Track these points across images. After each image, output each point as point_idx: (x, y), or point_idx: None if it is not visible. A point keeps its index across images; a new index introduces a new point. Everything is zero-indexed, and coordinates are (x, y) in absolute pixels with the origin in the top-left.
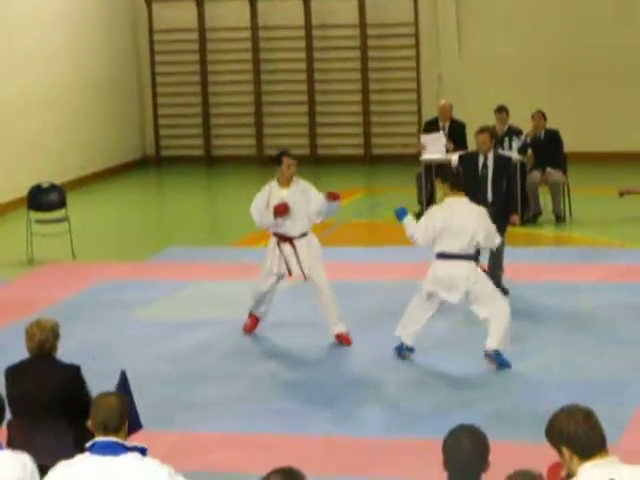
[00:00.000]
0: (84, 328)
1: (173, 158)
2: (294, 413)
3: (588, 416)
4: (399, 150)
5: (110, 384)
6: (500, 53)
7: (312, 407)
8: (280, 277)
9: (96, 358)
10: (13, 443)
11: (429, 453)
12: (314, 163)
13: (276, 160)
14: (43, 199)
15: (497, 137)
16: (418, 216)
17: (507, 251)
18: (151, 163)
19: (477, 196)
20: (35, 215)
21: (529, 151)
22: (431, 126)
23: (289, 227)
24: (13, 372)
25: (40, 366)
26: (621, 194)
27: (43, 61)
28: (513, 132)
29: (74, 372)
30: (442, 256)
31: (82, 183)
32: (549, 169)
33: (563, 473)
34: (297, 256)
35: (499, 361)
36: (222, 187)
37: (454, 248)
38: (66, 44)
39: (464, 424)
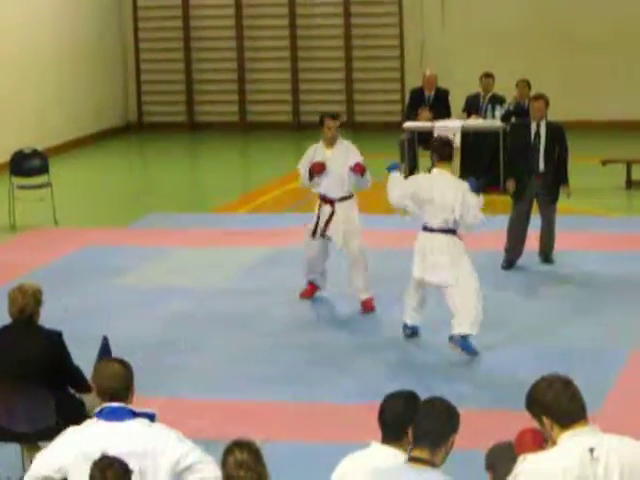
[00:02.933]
0: (66, 294)
1: (156, 124)
2: (275, 380)
3: (567, 385)
4: (382, 117)
5: (92, 349)
6: (483, 21)
7: (293, 374)
8: (325, 240)
9: (75, 322)
10: None
11: None
12: (297, 129)
13: (320, 122)
14: (25, 165)
15: (480, 103)
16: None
17: (496, 220)
18: (134, 129)
19: (528, 165)
20: (17, 180)
21: (512, 119)
22: (416, 95)
23: (326, 187)
24: None
25: (21, 332)
26: (603, 163)
27: (24, 25)
28: (496, 100)
29: (56, 338)
30: (424, 229)
31: (65, 149)
32: None
33: (544, 442)
34: (333, 221)
35: (466, 347)
36: (204, 153)
37: (434, 222)
38: (48, 7)
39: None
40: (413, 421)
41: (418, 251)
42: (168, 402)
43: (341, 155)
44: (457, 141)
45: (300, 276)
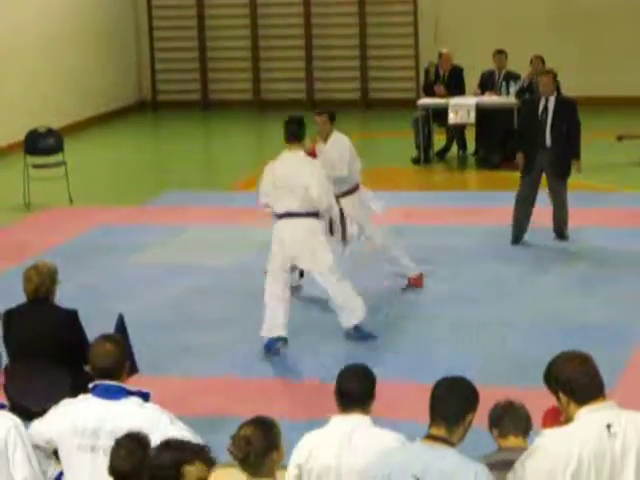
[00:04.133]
0: (81, 272)
1: (170, 102)
2: (289, 357)
3: (585, 361)
4: (396, 95)
5: (108, 328)
6: None
7: (307, 352)
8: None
9: (90, 300)
10: (10, 388)
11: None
12: (311, 107)
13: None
14: (40, 143)
15: (495, 80)
16: (415, 161)
17: (500, 195)
18: (148, 107)
19: (537, 140)
20: (32, 160)
21: (527, 95)
22: (430, 74)
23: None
24: (10, 316)
25: (37, 310)
26: (619, 138)
27: (38, 4)
28: (511, 76)
29: (71, 316)
30: (282, 216)
31: (79, 127)
32: None
33: (562, 418)
34: (345, 217)
35: (362, 335)
36: (218, 131)
37: (292, 206)
38: None
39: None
40: (430, 398)
41: (277, 240)
42: (182, 380)
43: (335, 150)
44: (472, 117)
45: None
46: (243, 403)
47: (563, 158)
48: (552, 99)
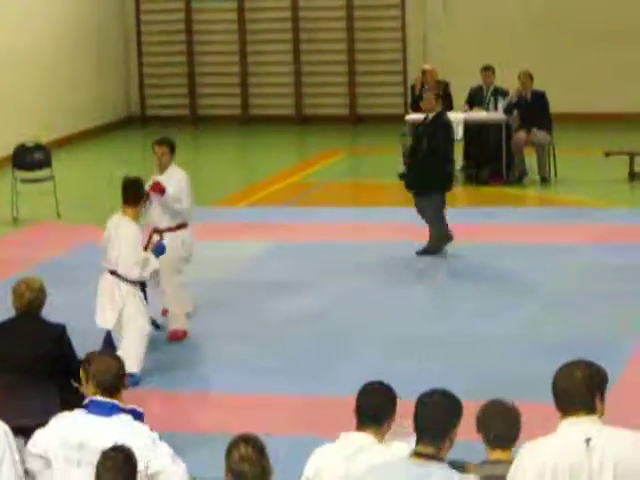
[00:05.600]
0: (68, 288)
1: (158, 117)
2: (279, 372)
3: (574, 370)
4: (385, 110)
5: (94, 343)
6: (486, 12)
7: (298, 366)
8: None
9: (78, 316)
10: None
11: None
12: (300, 123)
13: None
14: (28, 158)
15: (483, 96)
16: (402, 177)
17: (492, 211)
18: (136, 122)
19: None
20: (20, 174)
21: (515, 111)
22: (416, 90)
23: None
24: None
25: (26, 325)
26: (607, 154)
27: (23, 18)
28: (499, 92)
29: (60, 331)
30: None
31: (68, 142)
32: (535, 130)
33: None
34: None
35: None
36: (207, 147)
37: (107, 263)
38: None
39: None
40: (415, 415)
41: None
42: (168, 395)
43: (172, 181)
44: (460, 133)
45: (301, 269)
46: (233, 419)
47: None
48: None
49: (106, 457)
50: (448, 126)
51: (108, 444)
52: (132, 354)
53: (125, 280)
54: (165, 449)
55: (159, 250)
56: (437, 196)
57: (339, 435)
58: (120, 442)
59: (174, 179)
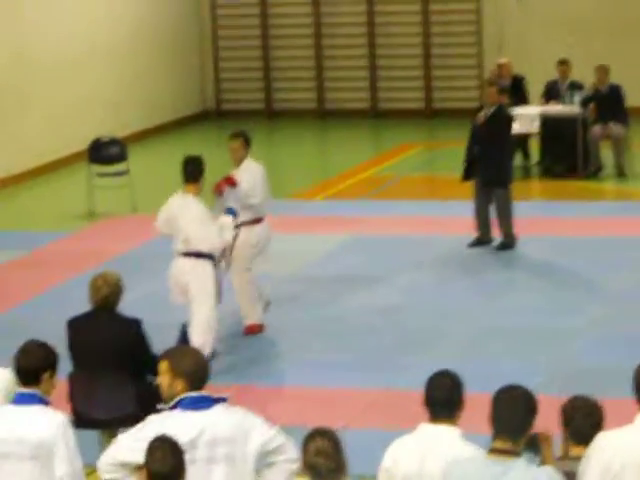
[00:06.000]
0: (145, 281)
1: (234, 111)
2: (350, 366)
3: None
4: (460, 104)
5: (171, 337)
6: (563, 6)
7: (366, 359)
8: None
9: (154, 309)
10: (74, 396)
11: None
12: (374, 117)
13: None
14: (104, 152)
15: (559, 90)
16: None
17: (569, 205)
18: (212, 116)
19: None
20: (96, 168)
21: (590, 105)
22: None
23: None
24: (75, 324)
25: (102, 319)
26: None
27: (101, 13)
28: (575, 86)
29: (135, 326)
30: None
31: (143, 136)
32: (611, 124)
33: None
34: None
35: None
36: (282, 140)
37: (179, 246)
38: None
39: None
40: (493, 411)
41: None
42: (245, 389)
43: (247, 176)
44: (535, 126)
45: (375, 262)
46: (306, 412)
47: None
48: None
49: (154, 447)
50: (509, 120)
51: (223, 434)
52: (201, 332)
53: (198, 256)
54: (274, 427)
55: (231, 212)
56: (501, 191)
57: (417, 427)
58: (235, 427)
59: (248, 173)
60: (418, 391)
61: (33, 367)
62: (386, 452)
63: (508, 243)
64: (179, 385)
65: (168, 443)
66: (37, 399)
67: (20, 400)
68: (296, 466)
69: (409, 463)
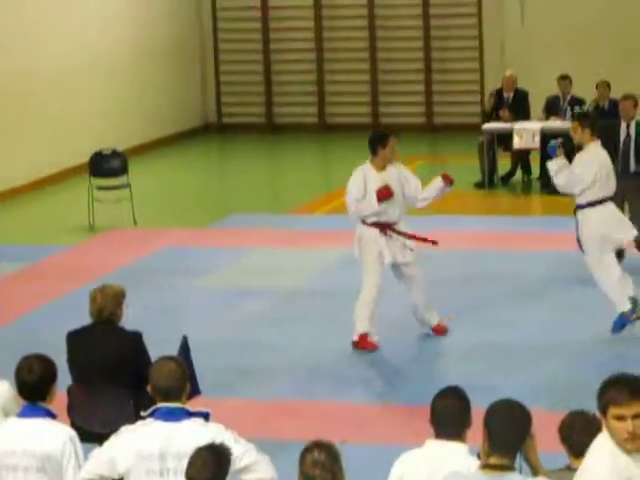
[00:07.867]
0: (145, 295)
1: (235, 125)
2: (354, 380)
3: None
4: (461, 119)
5: (172, 350)
6: (564, 21)
7: (371, 374)
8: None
9: (154, 322)
10: (73, 409)
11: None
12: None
13: (380, 141)
14: (105, 165)
15: (560, 105)
16: (479, 186)
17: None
18: (213, 130)
19: (617, 166)
20: (97, 181)
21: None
22: (492, 101)
23: (391, 214)
24: (74, 337)
25: (101, 332)
26: None
27: (103, 26)
28: (576, 101)
29: (135, 339)
30: (600, 202)
31: (144, 149)
32: None
33: None
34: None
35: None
36: (284, 154)
37: (609, 191)
38: (127, 8)
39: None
40: (488, 427)
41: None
42: (246, 403)
43: (396, 177)
44: (537, 142)
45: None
46: (308, 426)
47: None
48: (633, 124)
49: (198, 455)
50: None
51: (190, 448)
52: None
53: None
54: (247, 444)
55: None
56: None
57: (424, 442)
58: (202, 442)
59: (407, 172)
60: (418, 405)
61: (39, 384)
62: (393, 466)
63: None
64: (152, 395)
65: (208, 452)
66: (43, 412)
67: (27, 413)
68: None
69: (416, 478)
